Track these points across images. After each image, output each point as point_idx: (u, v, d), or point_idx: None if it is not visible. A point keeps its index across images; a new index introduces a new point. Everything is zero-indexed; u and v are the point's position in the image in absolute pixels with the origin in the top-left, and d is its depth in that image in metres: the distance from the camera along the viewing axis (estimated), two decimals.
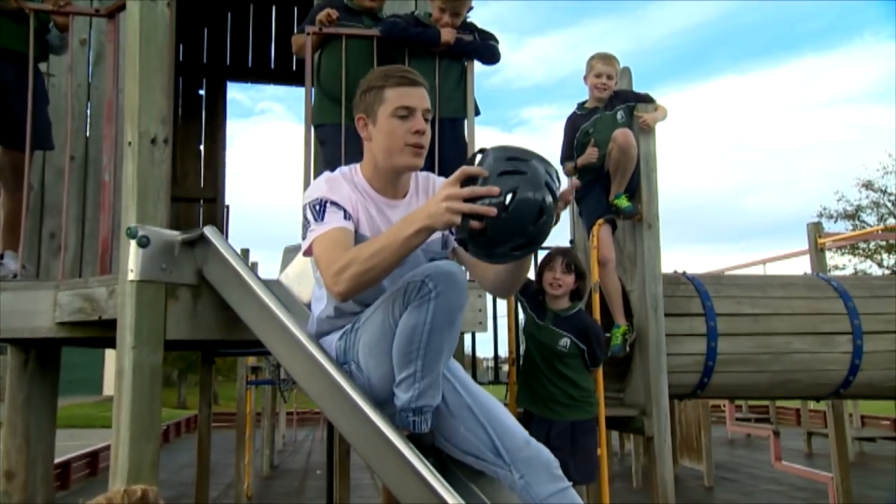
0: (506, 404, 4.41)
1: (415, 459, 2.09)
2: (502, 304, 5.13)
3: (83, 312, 3.06)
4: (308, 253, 2.27)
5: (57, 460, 6.50)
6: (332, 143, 4.12)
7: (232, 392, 14.49)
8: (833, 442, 7.27)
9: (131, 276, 2.65)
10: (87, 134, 4.54)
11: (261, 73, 8.08)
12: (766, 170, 70.97)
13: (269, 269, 11.34)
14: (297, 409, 17.30)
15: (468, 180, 1.91)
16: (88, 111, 4.56)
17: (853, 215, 26.69)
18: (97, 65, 4.58)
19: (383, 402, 2.26)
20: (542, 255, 4.49)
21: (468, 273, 2.49)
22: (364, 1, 4.40)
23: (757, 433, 10.79)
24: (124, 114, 2.87)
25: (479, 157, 1.96)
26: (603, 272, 4.92)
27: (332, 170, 2.44)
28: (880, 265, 25.45)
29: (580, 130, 5.21)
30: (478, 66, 4.37)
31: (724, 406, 10.33)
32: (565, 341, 4.21)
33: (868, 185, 26.83)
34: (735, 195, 73.10)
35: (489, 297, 4.01)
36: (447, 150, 3.99)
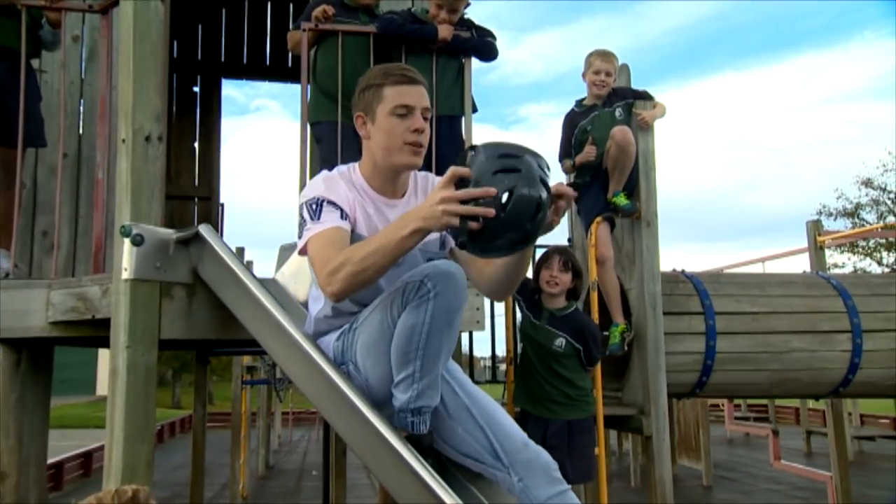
0: (503, 404, 4.39)
1: (413, 460, 2.07)
2: (500, 303, 5.11)
3: (76, 311, 3.04)
4: (304, 252, 2.26)
5: (50, 461, 6.49)
6: (329, 140, 4.09)
7: (227, 392, 14.50)
8: (832, 441, 7.27)
9: (125, 275, 2.64)
10: (81, 131, 4.50)
11: (256, 70, 8.04)
12: (766, 167, 71.20)
13: (264, 267, 11.32)
14: (293, 409, 17.28)
15: (461, 181, 1.89)
16: (81, 108, 4.52)
17: (853, 213, 26.66)
18: (90, 61, 4.54)
19: (381, 403, 2.24)
20: (539, 253, 4.47)
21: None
22: None
23: (756, 432, 10.80)
24: (118, 111, 2.85)
25: (470, 154, 1.94)
26: (601, 270, 4.91)
27: (329, 168, 2.43)
28: (880, 263, 25.46)
29: (578, 128, 5.19)
30: (475, 63, 4.36)
31: (723, 405, 10.36)
32: (561, 341, 4.20)
33: (867, 183, 26.81)
34: (734, 193, 73.34)
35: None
36: (444, 148, 3.96)
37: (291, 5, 7.57)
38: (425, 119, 2.28)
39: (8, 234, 3.70)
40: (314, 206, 2.23)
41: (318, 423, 13.62)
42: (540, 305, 4.32)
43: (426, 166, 2.74)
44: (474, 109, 4.32)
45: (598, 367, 4.47)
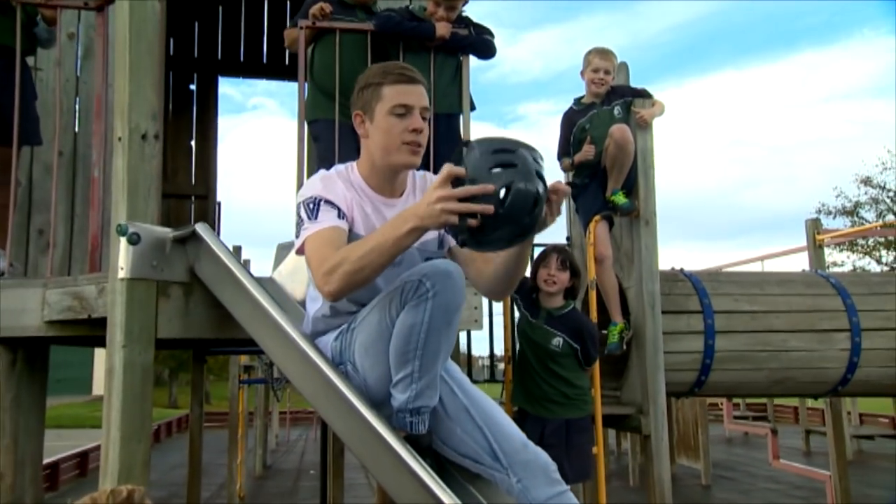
0: (501, 403, 4.38)
1: (411, 459, 2.06)
2: (498, 302, 5.10)
3: (72, 311, 3.03)
4: (301, 251, 2.25)
5: (46, 461, 6.47)
6: (326, 139, 4.08)
7: (224, 391, 14.45)
8: (831, 440, 7.28)
9: (121, 274, 2.63)
10: (76, 129, 4.49)
11: (253, 68, 8.02)
12: (765, 166, 71.24)
13: (261, 266, 11.32)
14: (291, 409, 17.25)
15: (457, 179, 1.89)
16: (77, 106, 4.51)
17: (852, 212, 26.65)
18: (86, 59, 4.52)
19: (380, 404, 2.22)
20: (537, 252, 4.46)
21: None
22: None
23: (755, 431, 10.81)
24: (114, 109, 2.83)
25: (464, 151, 1.93)
26: (600, 269, 4.90)
27: (327, 166, 2.43)
28: (879, 262, 25.44)
29: (577, 126, 5.18)
30: (473, 60, 4.36)
31: (722, 404, 10.33)
32: (558, 340, 4.19)
33: (867, 182, 26.82)
34: (733, 191, 73.37)
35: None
36: (442, 147, 3.94)
37: (288, 2, 7.53)
38: (424, 119, 2.27)
39: (3, 232, 3.69)
40: (311, 206, 2.22)
41: (315, 423, 13.61)
42: (537, 304, 4.31)
43: (424, 165, 2.73)
44: (472, 107, 4.31)
45: (597, 366, 4.46)
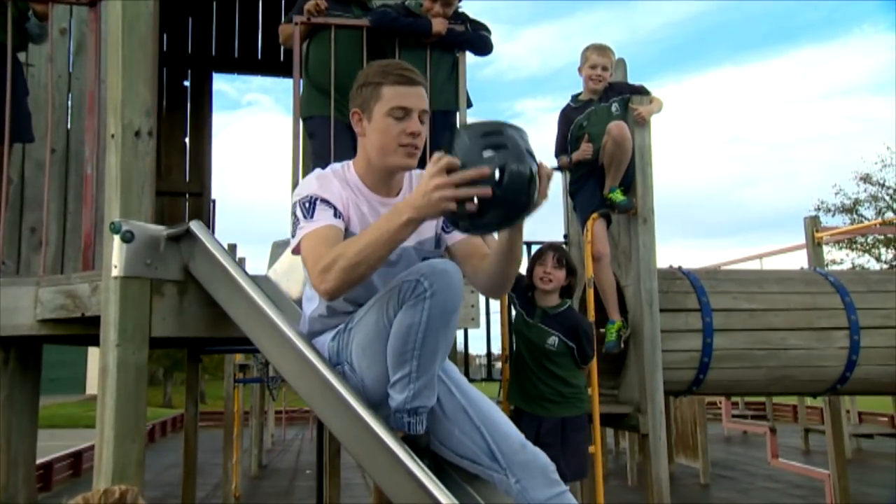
0: (499, 402, 4.36)
1: (408, 459, 2.04)
2: (496, 300, 5.08)
3: (65, 309, 3.02)
4: (297, 251, 2.23)
5: (39, 461, 6.44)
6: (321, 135, 4.06)
7: (219, 390, 14.42)
8: (830, 439, 7.27)
9: (115, 272, 2.62)
10: (69, 126, 4.47)
11: (247, 64, 7.99)
12: (764, 163, 71.53)
13: (257, 264, 11.24)
14: (286, 408, 17.21)
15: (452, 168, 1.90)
16: (69, 102, 4.49)
17: (851, 209, 26.46)
18: (78, 55, 4.50)
19: (377, 404, 2.21)
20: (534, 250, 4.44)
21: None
22: None
23: (753, 430, 10.81)
24: (107, 105, 2.82)
25: (455, 139, 1.94)
26: (597, 267, 4.88)
27: (322, 163, 2.41)
28: (878, 260, 25.35)
29: (574, 123, 5.15)
30: (470, 57, 4.34)
31: (721, 403, 10.33)
32: (553, 339, 4.17)
33: (866, 179, 26.61)
34: (732, 189, 73.61)
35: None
36: (439, 144, 3.91)
37: None
38: (422, 121, 2.26)
39: None
40: (307, 205, 2.20)
41: (311, 422, 13.58)
42: (533, 303, 4.29)
43: (421, 163, 2.70)
44: (469, 104, 4.30)
45: (595, 364, 4.44)
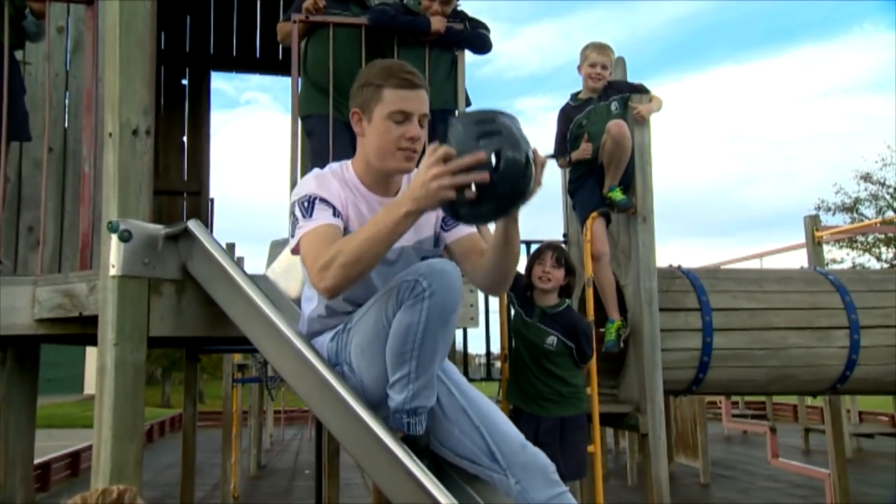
0: (498, 401, 4.35)
1: (407, 460, 2.03)
2: (494, 299, 5.09)
3: (63, 309, 3.00)
4: (296, 251, 2.22)
5: (37, 461, 6.41)
6: (320, 134, 4.05)
7: (218, 390, 14.44)
8: (830, 438, 7.26)
9: (113, 272, 2.61)
10: (66, 124, 4.46)
11: (246, 63, 7.97)
12: (764, 161, 71.52)
13: (255, 264, 11.24)
14: (285, 408, 17.22)
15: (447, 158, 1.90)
16: (67, 101, 4.48)
17: (851, 208, 26.41)
18: (75, 53, 4.48)
19: (376, 405, 2.20)
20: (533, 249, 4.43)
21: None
22: None
23: (753, 429, 10.82)
24: (104, 104, 2.81)
25: (449, 129, 1.95)
26: (597, 266, 4.87)
27: (321, 162, 2.40)
28: (878, 259, 25.33)
29: (574, 122, 5.14)
30: (469, 55, 4.33)
31: (720, 402, 10.33)
32: (552, 339, 4.16)
33: (866, 178, 26.55)
34: (732, 187, 73.64)
35: (481, 292, 3.95)
36: (434, 136, 3.91)
37: None
38: (422, 126, 2.25)
39: None
40: (306, 204, 2.19)
41: (310, 422, 13.56)
42: (532, 303, 4.28)
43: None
44: (468, 103, 4.29)
45: (594, 364, 4.43)
